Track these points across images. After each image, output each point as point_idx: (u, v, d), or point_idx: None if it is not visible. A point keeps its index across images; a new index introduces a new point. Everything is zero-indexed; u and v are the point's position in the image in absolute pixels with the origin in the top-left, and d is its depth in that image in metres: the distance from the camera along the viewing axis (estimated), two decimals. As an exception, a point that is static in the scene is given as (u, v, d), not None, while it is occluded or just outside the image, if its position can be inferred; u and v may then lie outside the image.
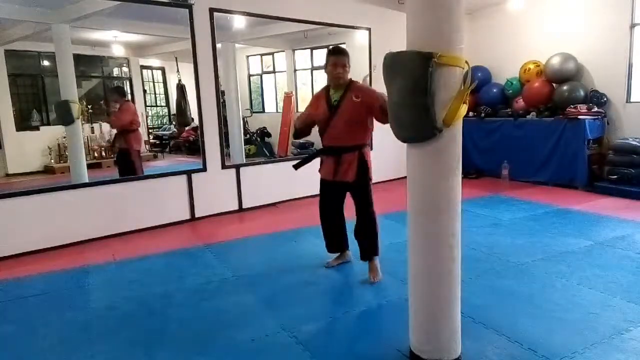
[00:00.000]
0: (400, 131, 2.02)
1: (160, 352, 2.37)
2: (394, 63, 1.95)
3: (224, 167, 5.18)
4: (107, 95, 7.98)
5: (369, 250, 3.15)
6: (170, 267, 3.67)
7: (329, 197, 3.25)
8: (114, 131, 6.81)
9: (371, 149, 3.22)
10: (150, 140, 8.73)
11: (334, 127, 3.04)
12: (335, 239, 3.38)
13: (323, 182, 3.23)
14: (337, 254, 3.47)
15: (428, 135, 1.88)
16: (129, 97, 8.26)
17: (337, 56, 3.00)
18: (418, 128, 1.89)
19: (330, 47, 3.16)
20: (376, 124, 3.04)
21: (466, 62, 1.85)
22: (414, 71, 1.82)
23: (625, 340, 2.29)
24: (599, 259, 3.39)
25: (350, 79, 3.08)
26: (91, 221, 4.34)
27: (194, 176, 4.99)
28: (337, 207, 3.28)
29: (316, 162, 3.30)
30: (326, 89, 3.15)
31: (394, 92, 1.97)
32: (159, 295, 3.08)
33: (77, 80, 6.09)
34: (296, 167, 3.30)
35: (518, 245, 3.76)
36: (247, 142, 8.27)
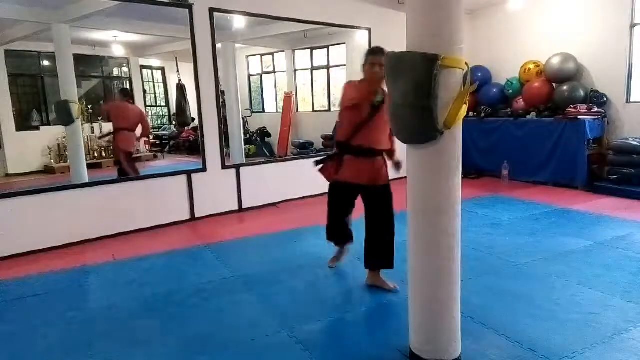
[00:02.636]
0: (402, 132, 2.02)
1: (160, 352, 2.37)
2: (398, 63, 1.94)
3: (224, 167, 5.18)
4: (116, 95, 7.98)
5: (383, 262, 3.01)
6: (170, 267, 3.67)
7: (345, 197, 3.14)
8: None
9: None
10: (150, 140, 8.73)
11: (374, 129, 2.90)
12: (341, 233, 3.33)
13: (340, 184, 3.07)
14: (337, 250, 3.44)
15: (429, 138, 1.88)
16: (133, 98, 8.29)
17: (376, 55, 2.85)
18: (420, 130, 1.89)
19: (372, 47, 3.02)
20: None
21: (466, 63, 1.85)
22: (419, 72, 1.81)
23: (625, 340, 2.29)
24: (599, 259, 3.39)
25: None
26: (91, 221, 4.34)
27: (194, 176, 4.98)
28: (350, 207, 3.23)
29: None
30: (372, 87, 2.90)
31: (396, 93, 1.96)
32: (159, 295, 3.08)
33: (77, 80, 6.09)
34: (317, 163, 3.15)
35: (518, 245, 3.76)
36: (247, 142, 8.27)
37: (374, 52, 2.92)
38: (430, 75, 1.78)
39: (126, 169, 5.66)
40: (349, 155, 2.98)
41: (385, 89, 2.84)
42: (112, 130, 6.13)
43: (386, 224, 2.99)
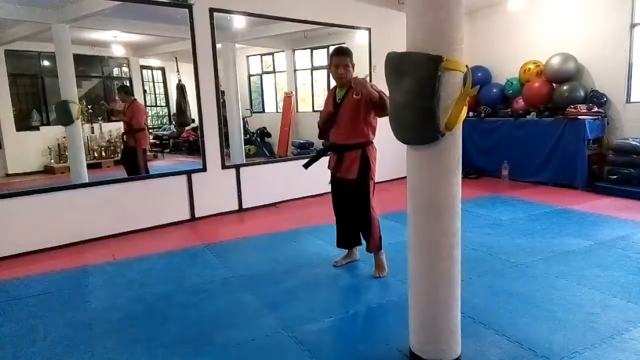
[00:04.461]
0: (402, 132, 2.01)
1: (160, 352, 2.37)
2: (400, 63, 1.94)
3: (224, 167, 5.18)
4: (116, 94, 7.98)
5: (369, 245, 3.22)
6: (170, 267, 3.67)
7: (338, 192, 3.28)
8: (115, 131, 6.82)
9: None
10: (150, 140, 8.72)
11: (338, 126, 3.11)
12: (345, 235, 3.38)
13: (332, 178, 3.29)
14: (345, 252, 3.47)
15: (430, 139, 1.87)
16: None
17: (339, 57, 3.06)
18: (421, 131, 1.88)
19: (334, 47, 3.21)
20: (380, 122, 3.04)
21: (466, 65, 1.85)
22: (422, 73, 1.81)
23: (625, 340, 2.29)
24: (599, 259, 3.39)
25: (355, 77, 3.07)
26: (91, 221, 4.34)
27: (194, 176, 4.99)
28: (348, 203, 3.26)
29: (324, 161, 3.32)
30: (334, 88, 3.22)
31: (399, 93, 1.96)
32: (159, 295, 3.08)
33: (77, 80, 6.08)
34: (306, 166, 3.34)
35: (518, 245, 3.76)
36: (247, 142, 8.26)
37: (336, 53, 3.09)
38: (434, 76, 1.78)
39: (142, 167, 5.75)
40: (330, 151, 3.26)
41: (359, 84, 2.93)
42: (123, 132, 6.19)
43: (361, 217, 3.17)
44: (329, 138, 3.22)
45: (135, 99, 6.43)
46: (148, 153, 8.00)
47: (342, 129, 3.09)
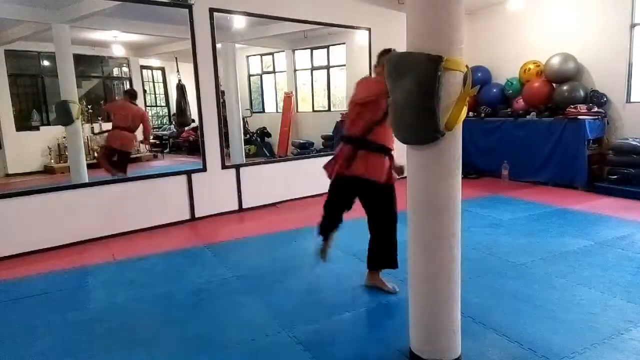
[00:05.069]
0: (403, 132, 2.01)
1: (160, 352, 2.37)
2: (400, 64, 1.94)
3: (224, 167, 5.18)
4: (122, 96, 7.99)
5: (384, 262, 2.99)
6: (170, 267, 3.67)
7: (348, 194, 2.99)
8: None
9: None
10: (150, 141, 8.72)
11: (388, 128, 2.73)
12: (333, 225, 3.13)
13: (347, 179, 2.89)
14: (323, 240, 3.17)
15: (430, 139, 1.88)
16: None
17: None
18: (421, 131, 1.88)
19: (384, 49, 2.94)
20: None
21: (466, 65, 1.85)
22: (422, 73, 1.81)
23: (625, 340, 2.29)
24: (599, 259, 3.39)
25: None
26: (91, 221, 4.34)
27: (194, 176, 4.98)
28: (350, 205, 3.07)
29: (323, 160, 3.21)
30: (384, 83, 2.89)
31: (398, 93, 1.96)
32: (159, 295, 3.08)
33: (77, 80, 6.10)
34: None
35: (518, 245, 3.76)
36: (247, 142, 8.27)
37: (389, 53, 2.86)
38: (434, 76, 1.78)
39: (106, 166, 5.70)
40: (364, 150, 2.82)
41: None
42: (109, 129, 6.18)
43: (389, 223, 2.93)
44: (368, 136, 2.82)
45: (132, 101, 6.36)
46: (147, 153, 8.04)
47: (390, 131, 2.76)
